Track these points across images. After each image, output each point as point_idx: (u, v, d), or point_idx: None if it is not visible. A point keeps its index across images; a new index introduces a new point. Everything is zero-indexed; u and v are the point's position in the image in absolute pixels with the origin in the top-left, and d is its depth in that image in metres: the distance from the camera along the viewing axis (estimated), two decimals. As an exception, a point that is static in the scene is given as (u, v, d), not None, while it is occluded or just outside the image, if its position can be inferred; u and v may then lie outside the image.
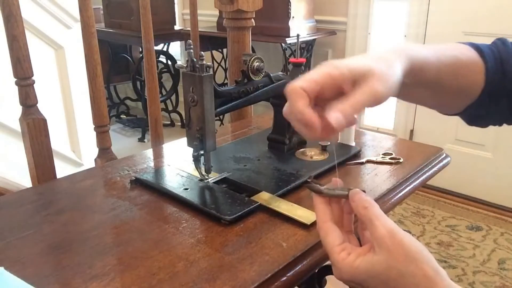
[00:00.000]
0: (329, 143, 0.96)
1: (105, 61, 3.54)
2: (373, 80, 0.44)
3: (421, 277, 0.43)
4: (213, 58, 3.38)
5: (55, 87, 2.03)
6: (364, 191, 0.50)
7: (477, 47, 0.58)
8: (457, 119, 0.65)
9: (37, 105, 1.00)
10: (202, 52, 0.74)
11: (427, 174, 0.90)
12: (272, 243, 0.63)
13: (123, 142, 3.50)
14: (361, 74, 0.45)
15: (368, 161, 0.92)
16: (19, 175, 1.66)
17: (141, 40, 1.16)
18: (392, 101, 2.87)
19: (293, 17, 2.55)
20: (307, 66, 2.87)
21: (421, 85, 0.55)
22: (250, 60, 0.84)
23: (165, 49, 3.61)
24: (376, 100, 0.44)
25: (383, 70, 0.45)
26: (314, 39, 2.78)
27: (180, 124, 3.81)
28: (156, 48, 1.54)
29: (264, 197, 0.75)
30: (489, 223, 2.30)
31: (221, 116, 2.85)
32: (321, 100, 0.47)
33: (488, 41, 0.61)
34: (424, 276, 0.43)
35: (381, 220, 0.45)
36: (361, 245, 0.50)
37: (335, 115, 0.43)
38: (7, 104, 1.69)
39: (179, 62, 3.75)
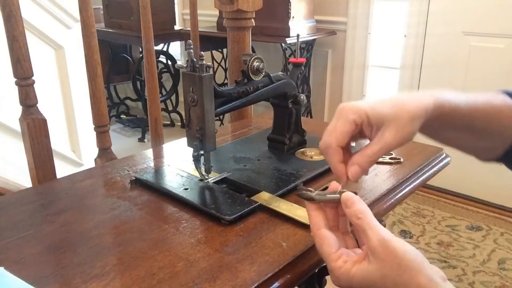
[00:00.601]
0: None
1: (105, 61, 3.54)
2: (388, 131, 0.49)
3: (414, 286, 0.43)
4: (213, 58, 3.38)
5: (55, 87, 2.03)
6: (355, 193, 0.50)
7: (509, 93, 0.58)
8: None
9: (37, 105, 1.00)
10: (202, 52, 0.74)
11: (427, 174, 0.90)
12: (272, 243, 0.63)
13: (123, 142, 3.50)
14: (378, 123, 0.50)
15: (368, 161, 0.92)
16: (19, 175, 1.66)
17: (141, 40, 1.16)
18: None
19: (293, 17, 2.55)
20: (307, 66, 2.87)
21: (452, 129, 0.56)
22: (250, 60, 0.84)
23: (165, 49, 3.61)
24: (390, 150, 0.50)
25: (400, 123, 0.49)
26: (314, 39, 2.78)
27: (180, 124, 3.81)
28: (156, 48, 1.54)
29: (264, 197, 0.75)
30: (489, 223, 2.30)
31: (221, 116, 2.85)
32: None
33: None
34: (417, 285, 0.43)
35: (373, 230, 0.46)
36: (358, 245, 0.50)
37: (353, 169, 0.51)
38: (7, 104, 1.69)
39: (179, 62, 3.75)
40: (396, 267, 0.43)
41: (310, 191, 0.52)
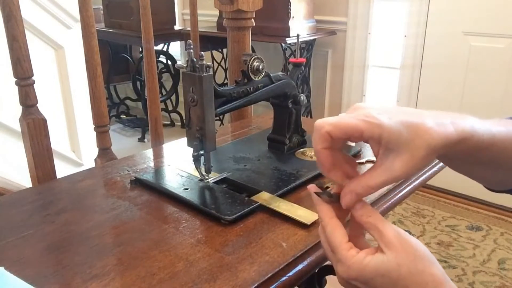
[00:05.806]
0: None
1: (105, 61, 3.54)
2: (399, 161, 0.42)
3: (428, 276, 0.44)
4: (213, 58, 3.38)
5: (55, 87, 2.03)
6: None
7: None
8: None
9: (37, 105, 1.00)
10: (202, 52, 0.74)
11: (427, 174, 0.90)
12: (272, 243, 0.63)
13: (123, 142, 3.50)
14: (390, 145, 0.43)
15: (368, 161, 0.92)
16: (19, 175, 1.66)
17: (141, 40, 1.16)
18: (392, 99, 2.80)
19: (293, 17, 2.55)
20: (307, 66, 2.87)
21: (467, 163, 0.51)
22: (250, 60, 0.84)
23: (165, 49, 3.61)
24: (394, 182, 0.45)
25: (416, 154, 0.42)
26: (314, 39, 2.78)
27: (180, 124, 3.81)
28: (156, 48, 1.54)
29: (264, 197, 0.75)
30: (489, 223, 2.30)
31: (221, 116, 2.85)
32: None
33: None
34: (430, 275, 0.44)
35: (386, 225, 0.47)
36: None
37: (348, 198, 0.47)
38: (7, 104, 1.69)
39: (179, 62, 3.74)
40: (412, 257, 0.44)
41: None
